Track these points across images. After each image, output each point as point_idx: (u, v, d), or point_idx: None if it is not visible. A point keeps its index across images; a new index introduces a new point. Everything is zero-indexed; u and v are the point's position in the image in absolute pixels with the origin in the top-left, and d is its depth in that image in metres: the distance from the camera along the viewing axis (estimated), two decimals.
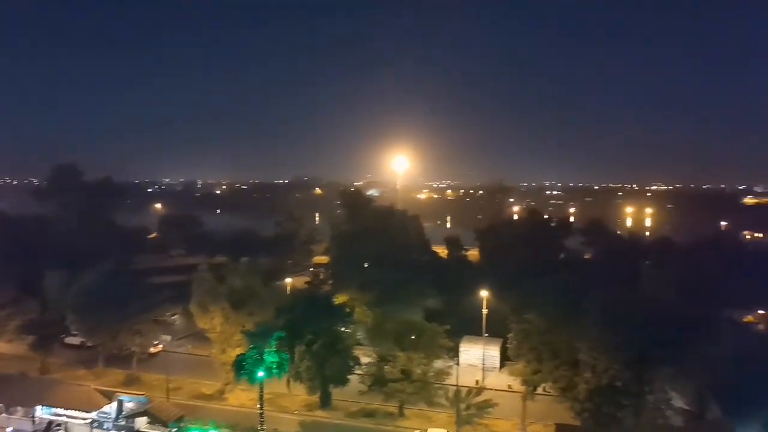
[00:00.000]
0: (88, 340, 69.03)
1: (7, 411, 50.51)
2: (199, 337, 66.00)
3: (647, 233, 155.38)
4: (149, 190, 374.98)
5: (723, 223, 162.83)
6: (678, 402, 46.59)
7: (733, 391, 40.61)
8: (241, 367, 47.00)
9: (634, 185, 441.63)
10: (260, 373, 45.43)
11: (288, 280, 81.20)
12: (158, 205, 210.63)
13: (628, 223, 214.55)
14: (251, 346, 48.40)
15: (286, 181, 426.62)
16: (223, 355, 57.75)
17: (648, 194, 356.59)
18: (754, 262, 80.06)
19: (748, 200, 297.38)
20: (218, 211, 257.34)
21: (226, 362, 56.20)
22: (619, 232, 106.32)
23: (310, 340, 52.08)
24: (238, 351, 52.39)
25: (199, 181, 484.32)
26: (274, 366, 46.37)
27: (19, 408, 50.42)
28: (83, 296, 62.58)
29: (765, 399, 38.68)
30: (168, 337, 71.19)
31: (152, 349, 68.27)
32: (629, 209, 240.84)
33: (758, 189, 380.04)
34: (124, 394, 52.79)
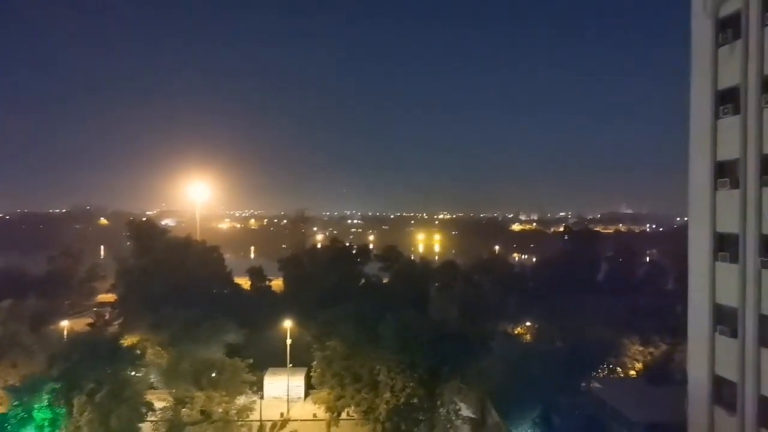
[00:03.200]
0: None
1: None
2: None
3: (436, 258, 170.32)
4: None
5: (496, 247, 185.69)
6: (465, 411, 51.26)
7: (507, 396, 46.15)
8: (3, 429, 40.22)
9: (424, 214, 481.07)
10: None
11: (65, 323, 71.77)
12: None
13: (420, 248, 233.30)
14: (15, 403, 41.72)
15: (64, 211, 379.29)
16: None
17: (436, 222, 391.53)
18: (520, 281, 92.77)
19: (515, 227, 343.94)
20: None
21: None
22: (412, 257, 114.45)
23: (92, 389, 46.31)
24: None
25: None
26: (47, 423, 40.57)
27: None
28: None
29: (531, 401, 44.69)
30: None
31: None
32: (420, 236, 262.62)
33: (522, 217, 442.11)
34: None
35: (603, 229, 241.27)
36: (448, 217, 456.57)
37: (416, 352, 47.27)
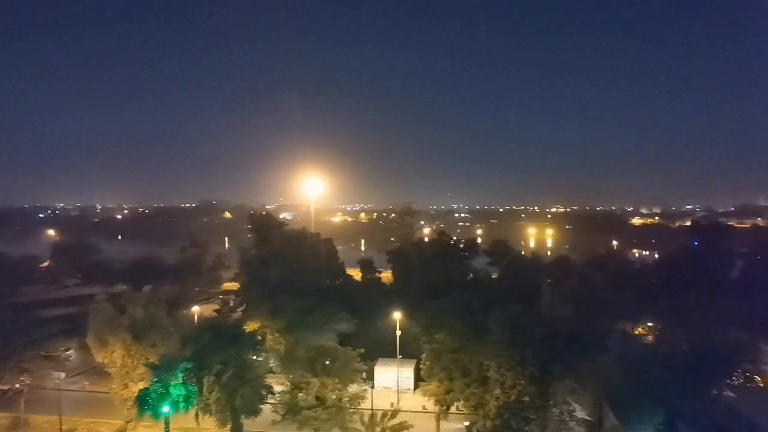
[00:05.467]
0: None
1: None
2: (98, 372, 61.79)
3: (548, 253, 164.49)
4: (40, 215, 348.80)
5: (614, 243, 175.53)
6: (580, 413, 49.26)
7: (626, 399, 43.66)
8: (145, 402, 44.60)
9: (536, 208, 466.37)
10: (165, 408, 43.25)
11: (195, 308, 78.15)
12: (51, 232, 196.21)
13: (531, 243, 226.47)
14: (155, 379, 46.05)
15: (194, 205, 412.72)
16: (124, 390, 54.34)
17: (548, 216, 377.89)
18: (640, 278, 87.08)
19: (635, 221, 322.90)
20: (119, 237, 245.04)
21: (127, 398, 52.94)
22: (522, 252, 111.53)
23: (219, 370, 50.17)
24: (141, 385, 49.60)
25: (98, 206, 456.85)
26: (181, 399, 44.39)
27: None
28: None
29: (652, 406, 41.93)
30: (61, 374, 65.77)
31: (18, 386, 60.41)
32: (531, 230, 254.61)
33: (643, 210, 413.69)
34: None
35: (737, 223, 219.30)
36: (562, 210, 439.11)
37: (526, 349, 46.09)
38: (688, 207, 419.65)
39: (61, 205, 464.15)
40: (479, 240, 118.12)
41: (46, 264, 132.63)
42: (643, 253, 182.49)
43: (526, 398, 46.70)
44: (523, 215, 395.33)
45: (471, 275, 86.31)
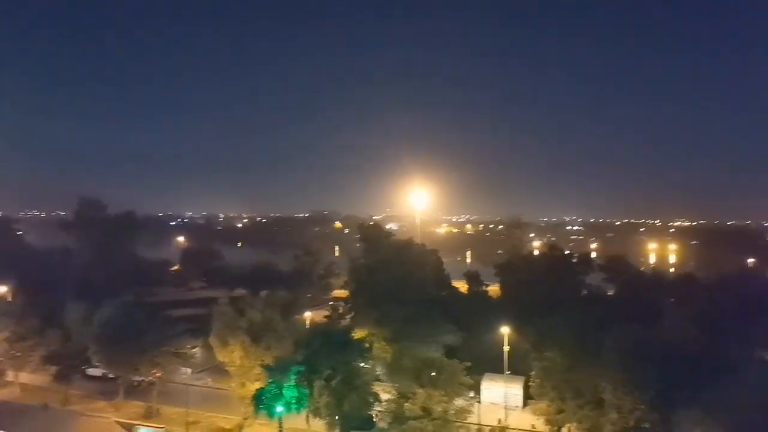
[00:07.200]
0: (109, 372, 69.51)
1: None
2: (219, 370, 66.04)
3: (671, 270, 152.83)
4: (172, 223, 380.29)
5: (749, 260, 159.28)
6: None
7: None
8: (261, 402, 46.94)
9: (657, 221, 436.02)
10: (279, 408, 45.27)
11: (307, 314, 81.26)
12: (181, 239, 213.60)
13: (651, 259, 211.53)
14: (270, 380, 48.35)
15: (306, 215, 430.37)
16: (242, 388, 57.64)
17: (671, 230, 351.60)
18: None
19: None
20: (239, 244, 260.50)
21: (245, 396, 55.98)
22: (641, 269, 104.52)
23: (328, 375, 51.66)
24: (258, 385, 52.28)
25: (221, 215, 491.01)
26: (293, 401, 46.23)
27: None
28: (104, 328, 63.38)
29: None
30: (188, 370, 71.23)
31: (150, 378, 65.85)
32: (652, 245, 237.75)
33: None
34: (144, 427, 52.77)
35: None
36: (687, 224, 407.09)
37: (647, 372, 43.03)
38: None
39: (190, 214, 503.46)
40: (594, 254, 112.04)
41: (175, 267, 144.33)
42: None
43: (647, 425, 43.58)
44: (642, 229, 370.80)
45: (584, 291, 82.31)
